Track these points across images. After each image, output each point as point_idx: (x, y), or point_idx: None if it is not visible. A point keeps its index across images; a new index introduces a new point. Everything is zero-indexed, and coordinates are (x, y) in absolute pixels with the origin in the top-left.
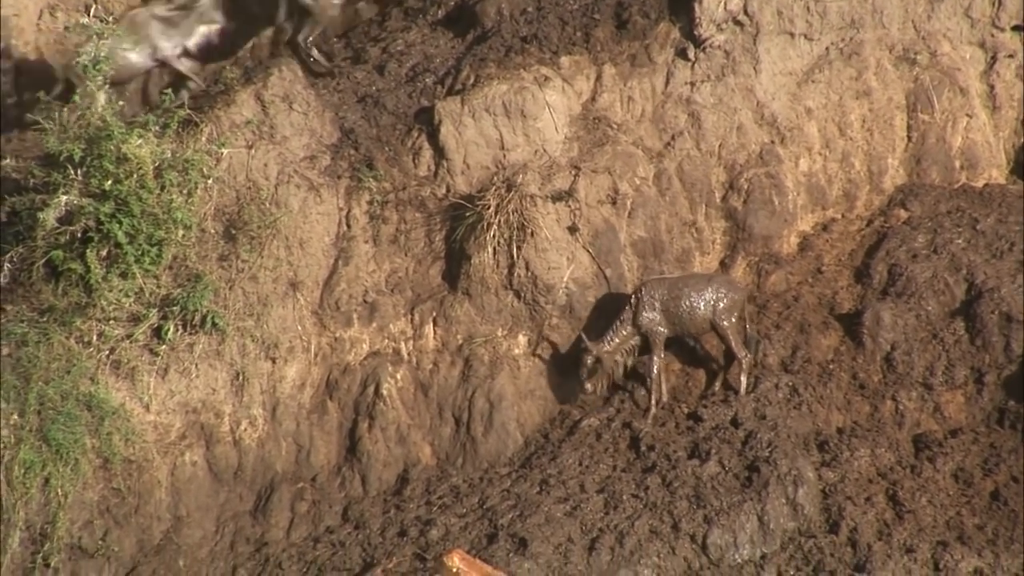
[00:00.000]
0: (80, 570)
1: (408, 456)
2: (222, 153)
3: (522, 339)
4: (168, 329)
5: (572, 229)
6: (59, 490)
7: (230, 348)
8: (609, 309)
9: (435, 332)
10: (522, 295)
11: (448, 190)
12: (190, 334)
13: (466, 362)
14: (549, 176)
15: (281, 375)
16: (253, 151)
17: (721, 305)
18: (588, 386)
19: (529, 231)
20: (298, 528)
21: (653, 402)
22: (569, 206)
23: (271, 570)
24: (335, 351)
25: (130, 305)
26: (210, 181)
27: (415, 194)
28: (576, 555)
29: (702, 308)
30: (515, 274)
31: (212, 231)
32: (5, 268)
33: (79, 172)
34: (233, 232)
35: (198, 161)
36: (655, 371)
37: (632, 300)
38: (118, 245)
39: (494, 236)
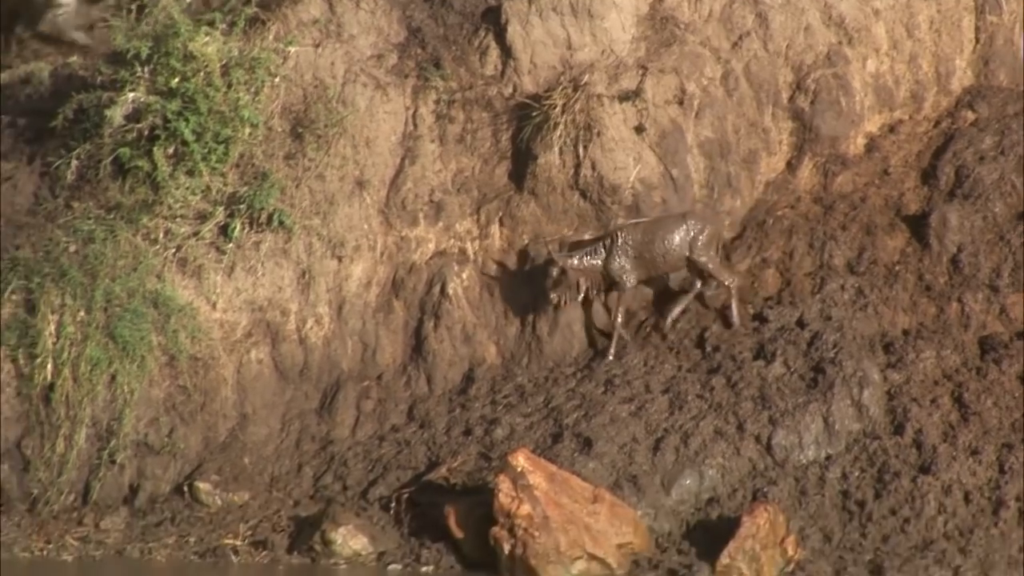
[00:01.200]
0: (146, 467)
1: (473, 355)
2: (289, 51)
3: (588, 239)
4: (235, 227)
5: (639, 129)
6: (125, 387)
7: (296, 246)
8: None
9: (501, 232)
10: (588, 195)
11: (515, 89)
12: (256, 232)
13: (532, 262)
14: (616, 76)
15: (347, 274)
16: (320, 49)
17: (699, 241)
18: (553, 296)
19: (595, 131)
20: (363, 426)
21: (614, 343)
22: (636, 106)
23: (336, 468)
24: (401, 250)
25: (197, 203)
26: (277, 79)
27: (482, 93)
28: (641, 455)
29: (676, 247)
30: (581, 174)
31: (279, 129)
32: (72, 165)
33: (146, 70)
34: (300, 131)
35: (265, 59)
36: (620, 317)
37: (606, 243)
38: (185, 143)
39: (560, 136)
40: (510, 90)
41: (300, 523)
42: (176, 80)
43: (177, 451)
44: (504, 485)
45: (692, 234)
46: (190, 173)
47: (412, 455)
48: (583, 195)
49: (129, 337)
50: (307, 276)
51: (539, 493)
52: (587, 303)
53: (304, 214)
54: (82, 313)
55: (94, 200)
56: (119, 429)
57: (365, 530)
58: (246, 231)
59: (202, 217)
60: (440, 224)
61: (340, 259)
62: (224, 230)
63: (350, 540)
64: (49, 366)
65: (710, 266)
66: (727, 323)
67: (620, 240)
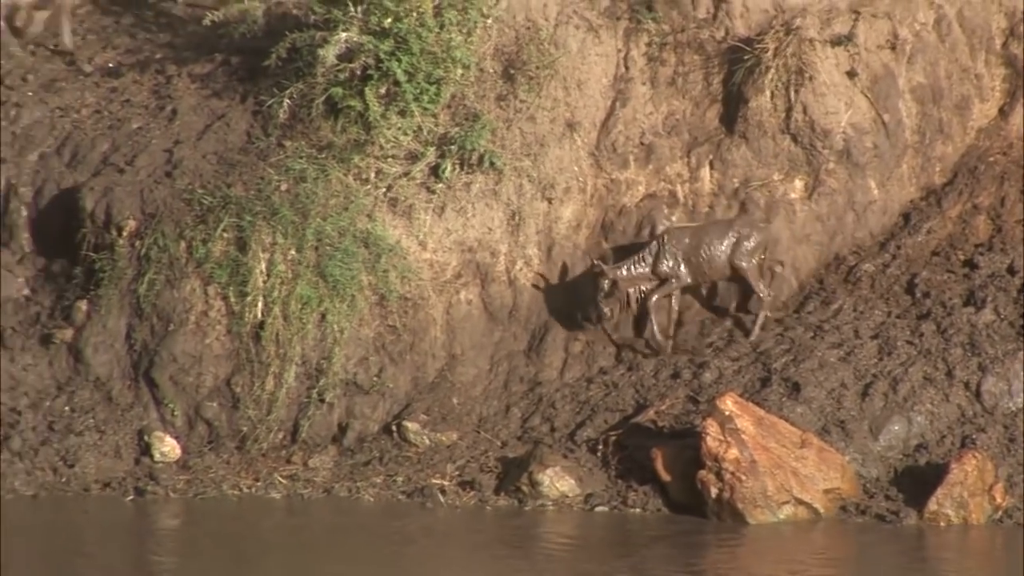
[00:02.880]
0: (354, 406)
1: (683, 299)
2: None
3: (798, 183)
4: (446, 167)
5: (851, 74)
6: (335, 326)
7: (507, 188)
8: (887, 157)
9: (711, 175)
10: (799, 139)
11: (727, 33)
12: (467, 173)
13: (742, 205)
14: (828, 20)
15: (557, 216)
16: None
17: (744, 247)
18: (606, 310)
19: (807, 75)
20: (571, 368)
21: (662, 343)
22: (848, 51)
23: (544, 409)
24: (611, 192)
25: (408, 143)
26: (489, 21)
27: (694, 36)
28: (849, 400)
29: (722, 252)
30: (792, 118)
31: (491, 71)
32: (285, 104)
33: (359, 9)
34: (511, 72)
35: (478, 1)
36: (653, 324)
37: (653, 247)
38: (397, 83)
39: (772, 80)
40: (722, 33)
41: (507, 464)
42: (389, 20)
43: (386, 390)
44: (712, 429)
45: (738, 239)
46: (402, 113)
47: (620, 397)
48: (794, 139)
49: (339, 276)
50: (517, 217)
51: (747, 437)
52: (641, 312)
53: (515, 155)
54: (293, 252)
55: (306, 139)
56: (328, 368)
57: (572, 472)
58: (457, 172)
59: (413, 157)
60: (650, 167)
61: (550, 201)
62: (435, 170)
63: (557, 482)
64: (260, 304)
65: (749, 273)
66: (746, 331)
67: (667, 244)
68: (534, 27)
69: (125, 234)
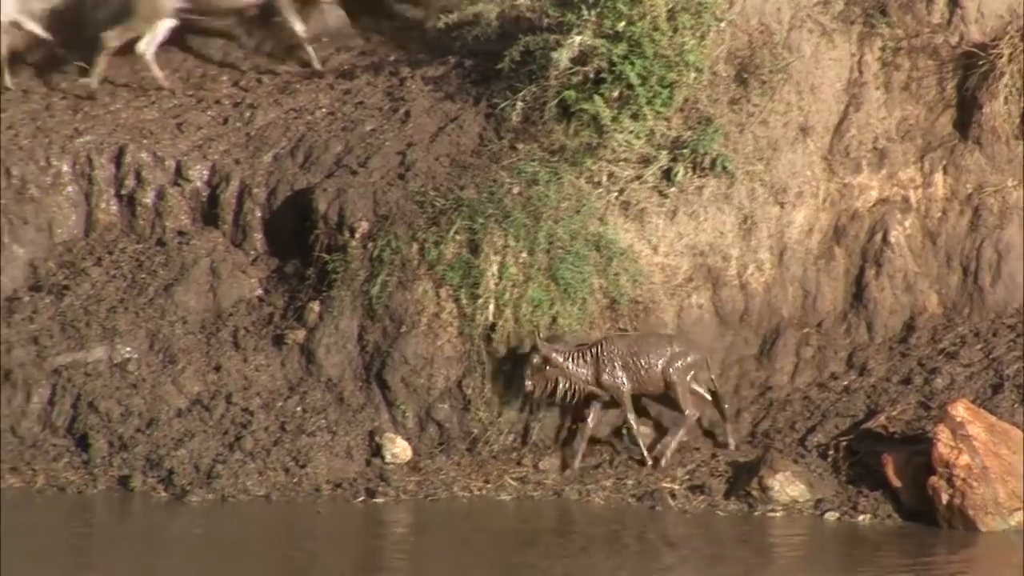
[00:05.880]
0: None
1: (914, 304)
2: None
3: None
4: (678, 171)
5: None
6: (566, 329)
7: (739, 192)
8: None
9: (944, 180)
10: None
11: (961, 38)
12: (699, 177)
13: (975, 211)
14: None
15: (789, 220)
16: None
17: (678, 363)
18: (529, 385)
19: None
20: (802, 373)
21: (648, 457)
22: None
23: (775, 414)
24: (843, 197)
25: (640, 147)
26: (723, 24)
27: (928, 42)
28: None
29: (659, 365)
30: None
31: (723, 75)
32: (518, 107)
33: (593, 13)
34: (744, 76)
35: (711, 4)
36: (634, 428)
37: (593, 352)
38: (630, 87)
39: (1006, 85)
40: (956, 38)
41: (738, 469)
42: (622, 24)
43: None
44: (943, 435)
45: (674, 355)
46: (634, 117)
47: (851, 403)
48: None
49: (571, 279)
50: (749, 222)
51: (978, 444)
52: (568, 401)
53: (747, 160)
54: (524, 255)
55: (538, 142)
56: None
57: (803, 477)
58: (689, 176)
59: (645, 161)
60: (883, 172)
61: (782, 205)
62: (667, 174)
63: (787, 487)
64: (491, 307)
65: (678, 389)
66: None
67: (606, 351)
68: (767, 31)
69: (358, 235)
